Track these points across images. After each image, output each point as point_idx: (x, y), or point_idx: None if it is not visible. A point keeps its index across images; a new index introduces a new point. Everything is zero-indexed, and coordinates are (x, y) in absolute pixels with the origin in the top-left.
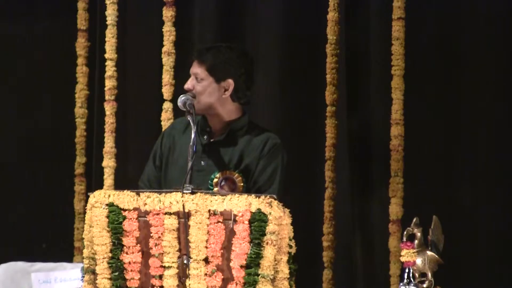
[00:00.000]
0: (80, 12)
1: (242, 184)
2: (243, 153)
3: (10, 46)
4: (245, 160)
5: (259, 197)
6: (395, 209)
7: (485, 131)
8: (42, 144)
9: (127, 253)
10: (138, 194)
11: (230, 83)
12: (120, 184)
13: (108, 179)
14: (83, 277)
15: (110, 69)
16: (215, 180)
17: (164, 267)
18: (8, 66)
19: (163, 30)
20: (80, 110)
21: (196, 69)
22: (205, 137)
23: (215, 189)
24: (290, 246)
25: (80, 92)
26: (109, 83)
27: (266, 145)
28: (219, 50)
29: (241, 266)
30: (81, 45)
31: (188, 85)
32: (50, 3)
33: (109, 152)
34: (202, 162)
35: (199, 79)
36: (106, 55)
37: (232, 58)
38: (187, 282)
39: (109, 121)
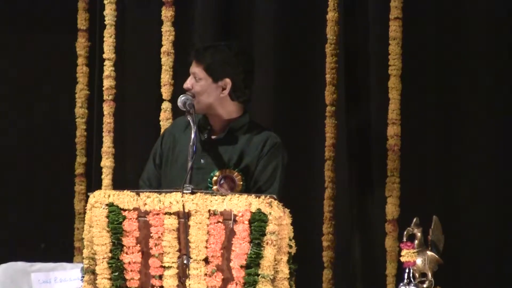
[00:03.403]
0: (80, 12)
1: (241, 183)
2: (243, 152)
3: (10, 46)
4: (245, 159)
5: (259, 197)
6: (391, 209)
7: (483, 131)
8: (42, 144)
9: (127, 253)
10: (138, 194)
11: (227, 82)
12: (118, 184)
13: (106, 179)
14: (83, 277)
15: (108, 69)
16: (215, 178)
17: (164, 267)
18: (8, 66)
19: (162, 30)
20: (80, 110)
21: (194, 68)
22: (205, 134)
23: (214, 187)
24: (290, 246)
25: (80, 92)
26: (107, 83)
27: (266, 145)
28: (216, 49)
29: (241, 266)
30: (81, 45)
31: (187, 84)
32: (50, 3)
33: (106, 152)
34: (201, 160)
35: (197, 79)
36: (104, 55)
37: (230, 57)
38: (187, 282)
39: (107, 121)
